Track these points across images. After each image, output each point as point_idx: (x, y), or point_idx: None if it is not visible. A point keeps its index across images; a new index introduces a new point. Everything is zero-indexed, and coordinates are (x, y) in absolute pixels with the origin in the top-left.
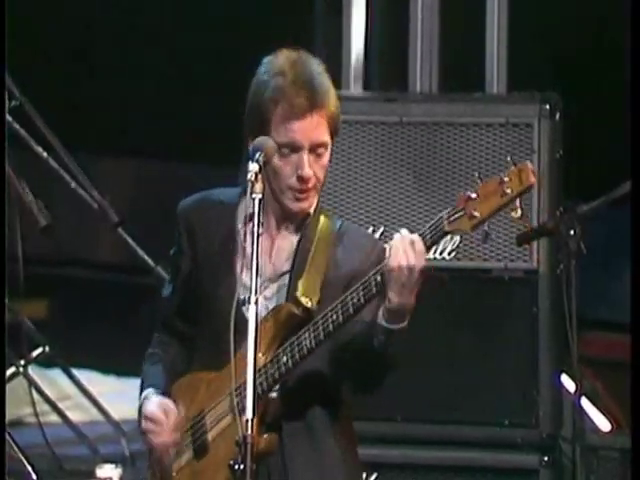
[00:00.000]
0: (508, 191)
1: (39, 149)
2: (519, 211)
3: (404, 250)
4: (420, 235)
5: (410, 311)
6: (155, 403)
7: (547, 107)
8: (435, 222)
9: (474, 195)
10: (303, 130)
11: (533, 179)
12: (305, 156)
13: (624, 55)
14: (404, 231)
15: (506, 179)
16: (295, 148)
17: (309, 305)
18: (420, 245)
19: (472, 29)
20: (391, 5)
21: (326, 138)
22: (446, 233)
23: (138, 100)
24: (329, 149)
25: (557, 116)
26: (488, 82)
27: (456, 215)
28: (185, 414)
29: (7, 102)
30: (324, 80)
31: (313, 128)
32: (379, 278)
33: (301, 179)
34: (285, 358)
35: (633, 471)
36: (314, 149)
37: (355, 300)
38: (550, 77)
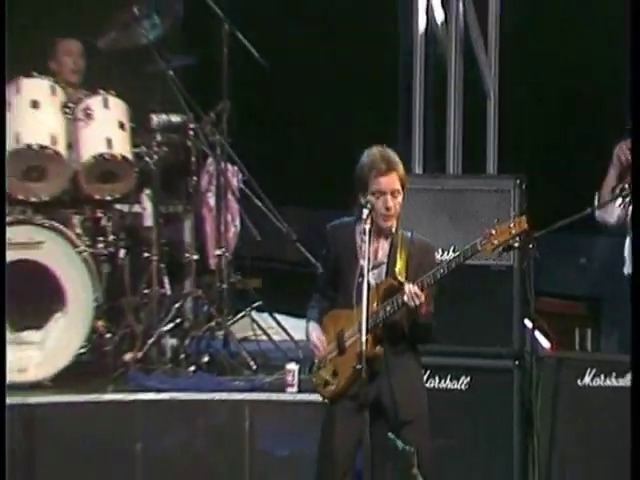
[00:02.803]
0: (513, 231)
1: (258, 202)
2: (517, 243)
3: (412, 298)
4: (422, 283)
5: (427, 315)
6: (317, 332)
7: (518, 182)
8: (472, 245)
9: (494, 231)
10: (385, 183)
11: (526, 225)
12: (388, 197)
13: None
14: (410, 286)
15: (512, 225)
16: (382, 193)
17: (403, 280)
18: (420, 294)
19: (475, 134)
20: (433, 127)
21: (398, 187)
22: (477, 252)
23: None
24: (402, 193)
25: (523, 186)
26: (488, 166)
27: (484, 242)
28: (332, 329)
29: (239, 175)
30: (396, 159)
31: (391, 182)
32: (437, 275)
33: (387, 209)
34: (389, 307)
35: (633, 469)
36: (392, 193)
37: (425, 282)
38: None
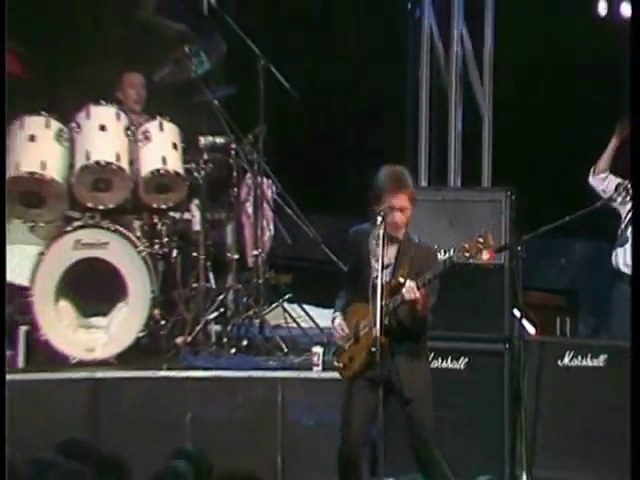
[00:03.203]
0: (480, 246)
1: (289, 210)
2: (486, 254)
3: (409, 293)
4: (422, 281)
5: (422, 312)
6: (339, 321)
7: (508, 193)
8: (450, 257)
9: (466, 246)
10: (396, 200)
11: (492, 242)
12: (397, 212)
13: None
14: (410, 283)
15: (481, 240)
16: (393, 208)
17: (403, 280)
18: (416, 291)
19: (473, 152)
20: (437, 146)
21: (407, 204)
22: (454, 263)
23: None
24: (410, 209)
25: (513, 197)
26: (483, 180)
27: (459, 254)
28: (351, 320)
29: (273, 188)
30: (407, 178)
31: (401, 200)
32: (429, 276)
33: (395, 222)
34: (392, 304)
35: (633, 470)
36: (401, 209)
37: (420, 283)
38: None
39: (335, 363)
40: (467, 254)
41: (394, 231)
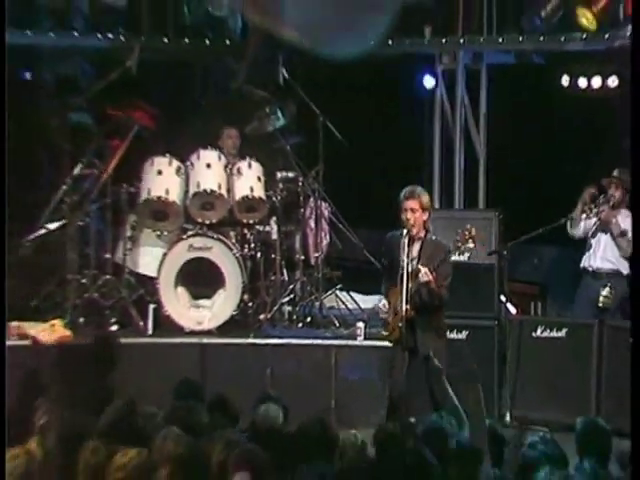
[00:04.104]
0: (466, 237)
1: (340, 225)
2: (472, 243)
3: (424, 276)
4: (432, 267)
5: (436, 289)
6: (383, 302)
7: (497, 213)
8: (453, 245)
9: (458, 237)
10: (407, 203)
11: (474, 233)
12: (409, 212)
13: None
14: (424, 269)
15: (467, 232)
16: (406, 210)
17: (420, 267)
18: (429, 274)
19: (472, 183)
20: (446, 178)
21: (417, 207)
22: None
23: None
24: (419, 211)
25: (500, 216)
26: (479, 203)
27: (454, 245)
28: (392, 299)
29: (329, 209)
30: (419, 191)
31: (411, 203)
32: (437, 262)
33: (407, 220)
34: (414, 286)
35: (633, 470)
36: (412, 210)
37: (431, 267)
38: (499, 201)
39: (384, 332)
40: (459, 244)
41: (411, 229)
